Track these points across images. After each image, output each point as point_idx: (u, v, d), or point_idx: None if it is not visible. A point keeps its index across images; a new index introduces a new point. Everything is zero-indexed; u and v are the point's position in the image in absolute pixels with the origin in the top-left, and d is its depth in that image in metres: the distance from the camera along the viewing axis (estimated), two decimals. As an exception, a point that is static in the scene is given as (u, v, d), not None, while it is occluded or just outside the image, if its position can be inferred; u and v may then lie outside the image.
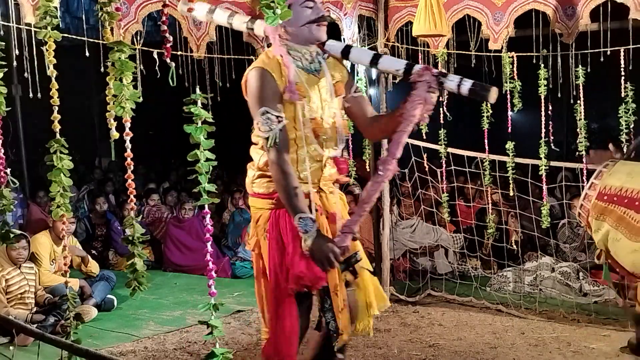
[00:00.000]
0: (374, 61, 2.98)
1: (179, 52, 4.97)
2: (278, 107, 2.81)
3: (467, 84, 2.76)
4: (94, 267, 6.16)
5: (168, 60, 2.34)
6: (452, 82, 2.78)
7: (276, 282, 2.88)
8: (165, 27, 2.34)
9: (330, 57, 3.07)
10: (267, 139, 2.78)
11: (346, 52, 3.04)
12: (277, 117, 2.79)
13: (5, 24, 3.99)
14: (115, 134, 2.33)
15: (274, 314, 2.91)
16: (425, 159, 6.01)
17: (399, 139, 2.75)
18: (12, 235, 2.91)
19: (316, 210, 2.91)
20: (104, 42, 2.72)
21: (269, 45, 3.05)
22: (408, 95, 2.78)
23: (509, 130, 5.74)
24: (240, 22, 3.31)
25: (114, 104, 2.25)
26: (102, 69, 3.65)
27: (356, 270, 2.96)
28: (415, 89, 2.75)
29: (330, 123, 3.00)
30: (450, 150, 5.93)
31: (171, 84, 2.35)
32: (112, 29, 2.41)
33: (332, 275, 2.88)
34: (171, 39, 2.37)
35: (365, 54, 3.20)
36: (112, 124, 2.34)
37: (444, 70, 3.25)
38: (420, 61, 5.79)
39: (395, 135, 2.76)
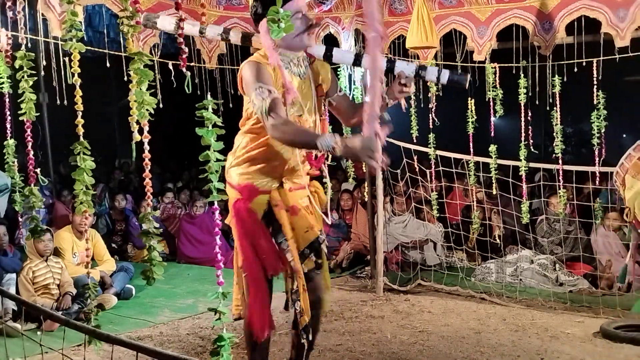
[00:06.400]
0: (357, 62, 2.93)
1: (193, 63, 4.97)
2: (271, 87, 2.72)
3: (446, 74, 2.78)
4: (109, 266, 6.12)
5: (184, 69, 2.32)
6: (432, 74, 2.81)
7: (251, 267, 2.87)
8: (182, 40, 2.34)
9: (316, 60, 3.03)
10: (261, 109, 2.65)
11: (328, 54, 2.97)
12: (269, 90, 2.67)
13: (34, 37, 4.01)
14: (137, 136, 2.32)
15: (249, 291, 2.90)
16: (415, 160, 6.03)
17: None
18: (39, 229, 2.92)
19: (276, 205, 2.91)
20: (124, 54, 2.69)
21: None
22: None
23: (492, 134, 5.79)
24: (236, 35, 3.18)
25: (135, 109, 2.24)
26: (124, 78, 3.66)
27: (320, 252, 3.00)
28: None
29: (312, 121, 2.97)
30: (438, 152, 5.94)
31: (187, 91, 2.33)
32: (133, 40, 2.42)
33: (296, 259, 2.89)
34: (187, 50, 2.37)
35: (347, 55, 3.13)
36: (135, 127, 2.33)
37: (424, 63, 3.22)
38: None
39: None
